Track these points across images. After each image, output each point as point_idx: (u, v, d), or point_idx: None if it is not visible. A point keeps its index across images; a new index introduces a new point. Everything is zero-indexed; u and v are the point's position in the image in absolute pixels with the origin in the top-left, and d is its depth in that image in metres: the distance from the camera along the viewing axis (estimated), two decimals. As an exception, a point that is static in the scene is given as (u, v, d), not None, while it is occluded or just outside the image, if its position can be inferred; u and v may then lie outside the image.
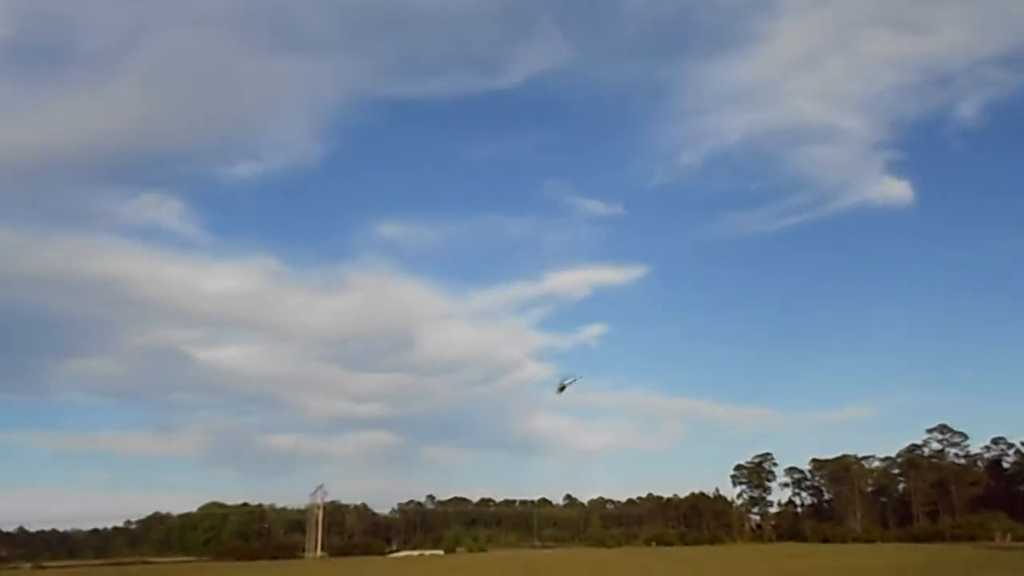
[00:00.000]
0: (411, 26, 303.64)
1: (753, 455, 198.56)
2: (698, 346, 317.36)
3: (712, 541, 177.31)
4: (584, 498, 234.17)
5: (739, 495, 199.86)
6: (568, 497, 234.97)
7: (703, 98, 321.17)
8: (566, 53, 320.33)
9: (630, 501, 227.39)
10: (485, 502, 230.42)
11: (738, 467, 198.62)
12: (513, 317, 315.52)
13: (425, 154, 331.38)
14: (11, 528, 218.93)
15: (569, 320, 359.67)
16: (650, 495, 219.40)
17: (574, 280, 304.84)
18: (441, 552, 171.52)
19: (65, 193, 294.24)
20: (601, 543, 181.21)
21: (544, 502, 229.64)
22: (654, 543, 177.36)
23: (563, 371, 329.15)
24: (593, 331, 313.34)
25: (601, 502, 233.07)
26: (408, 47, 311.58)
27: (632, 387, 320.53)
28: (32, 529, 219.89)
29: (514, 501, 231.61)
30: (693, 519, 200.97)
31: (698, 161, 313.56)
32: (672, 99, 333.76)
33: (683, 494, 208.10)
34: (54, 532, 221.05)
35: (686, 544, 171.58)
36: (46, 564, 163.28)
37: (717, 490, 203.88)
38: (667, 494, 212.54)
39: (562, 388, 77.82)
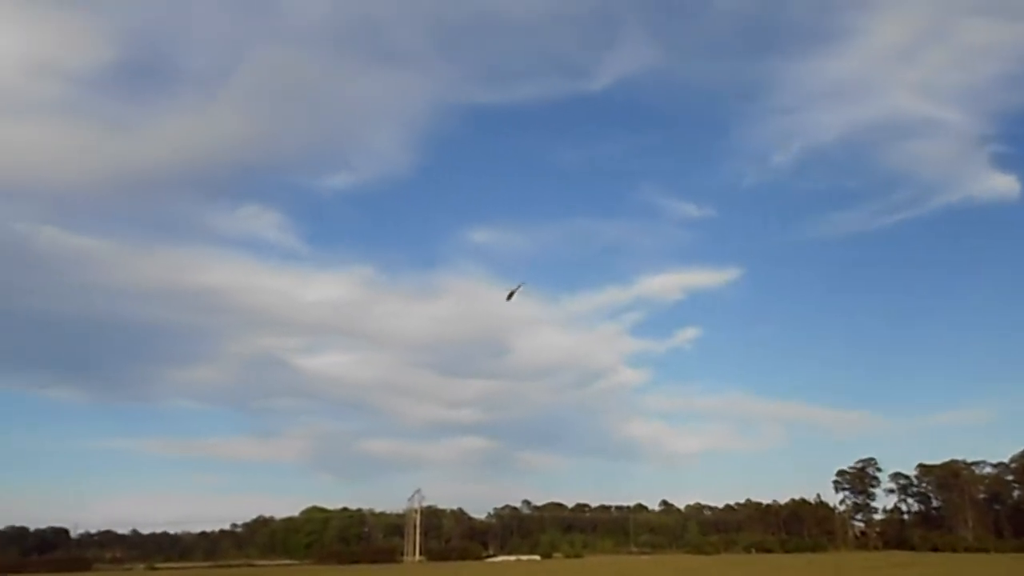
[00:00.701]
0: (498, 34, 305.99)
1: (856, 460, 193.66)
2: (795, 348, 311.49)
3: (815, 548, 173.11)
4: (681, 504, 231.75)
5: (842, 501, 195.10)
6: (664, 503, 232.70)
7: (796, 96, 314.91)
8: (654, 55, 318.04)
9: (728, 507, 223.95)
10: (581, 507, 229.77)
11: (840, 472, 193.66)
12: (606, 322, 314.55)
13: (515, 160, 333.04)
14: (125, 530, 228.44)
15: (663, 324, 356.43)
16: (749, 501, 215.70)
17: (667, 284, 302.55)
18: (537, 557, 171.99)
19: (170, 206, 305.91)
20: (699, 550, 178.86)
21: (640, 508, 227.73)
22: (754, 550, 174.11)
23: (658, 375, 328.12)
24: (687, 335, 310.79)
25: (698, 508, 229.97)
26: (496, 54, 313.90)
27: (728, 390, 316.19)
28: (145, 531, 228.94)
29: (610, 507, 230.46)
30: (794, 526, 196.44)
31: (791, 160, 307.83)
32: (763, 98, 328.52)
33: (783, 500, 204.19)
34: (165, 534, 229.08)
35: (787, 551, 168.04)
36: (158, 565, 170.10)
37: (819, 496, 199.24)
38: (766, 500, 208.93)
39: (510, 295, 76.31)
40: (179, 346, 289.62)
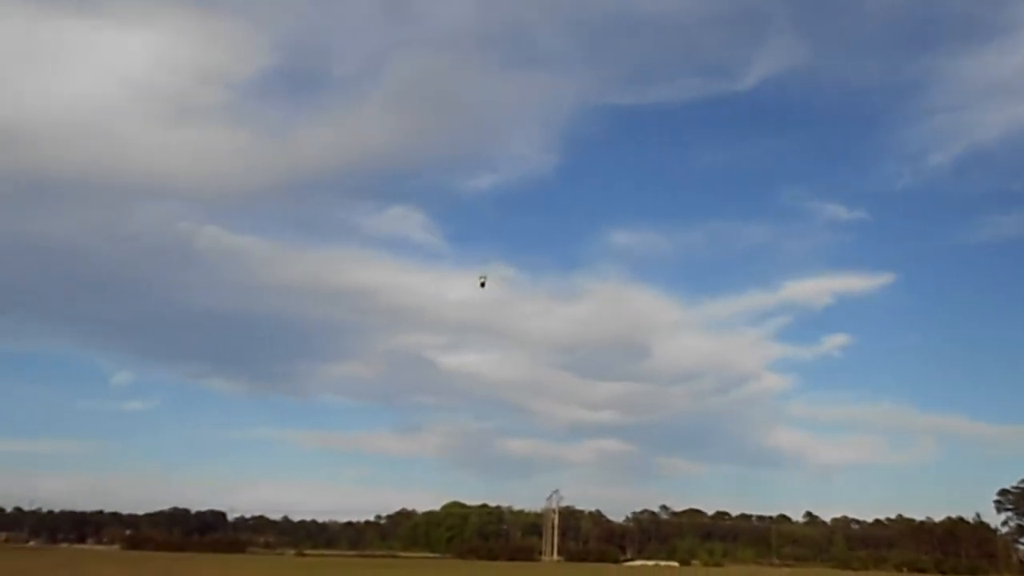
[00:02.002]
0: (642, 35, 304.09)
1: (1020, 479, 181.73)
2: (953, 358, 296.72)
3: (973, 571, 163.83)
4: (826, 516, 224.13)
5: (1004, 523, 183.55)
6: (809, 514, 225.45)
7: (955, 94, 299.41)
8: (802, 54, 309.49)
9: (877, 522, 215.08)
10: (721, 515, 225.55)
11: (1003, 492, 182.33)
12: (749, 327, 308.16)
13: (657, 161, 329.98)
14: (277, 516, 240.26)
15: (809, 330, 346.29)
16: (900, 517, 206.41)
17: (815, 289, 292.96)
18: (676, 564, 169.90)
19: (322, 208, 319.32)
20: (846, 565, 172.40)
21: (783, 518, 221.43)
22: (906, 569, 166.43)
23: (804, 382, 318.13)
24: (836, 341, 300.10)
25: (845, 521, 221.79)
26: (639, 55, 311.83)
27: (880, 401, 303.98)
28: (295, 519, 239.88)
29: (751, 516, 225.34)
30: (950, 546, 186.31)
31: (950, 161, 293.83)
32: (919, 96, 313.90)
33: (938, 517, 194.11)
34: (313, 522, 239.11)
35: (942, 572, 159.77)
36: (307, 552, 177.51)
37: (978, 515, 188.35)
38: (919, 516, 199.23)
39: (483, 282, 73.40)
40: (329, 342, 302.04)
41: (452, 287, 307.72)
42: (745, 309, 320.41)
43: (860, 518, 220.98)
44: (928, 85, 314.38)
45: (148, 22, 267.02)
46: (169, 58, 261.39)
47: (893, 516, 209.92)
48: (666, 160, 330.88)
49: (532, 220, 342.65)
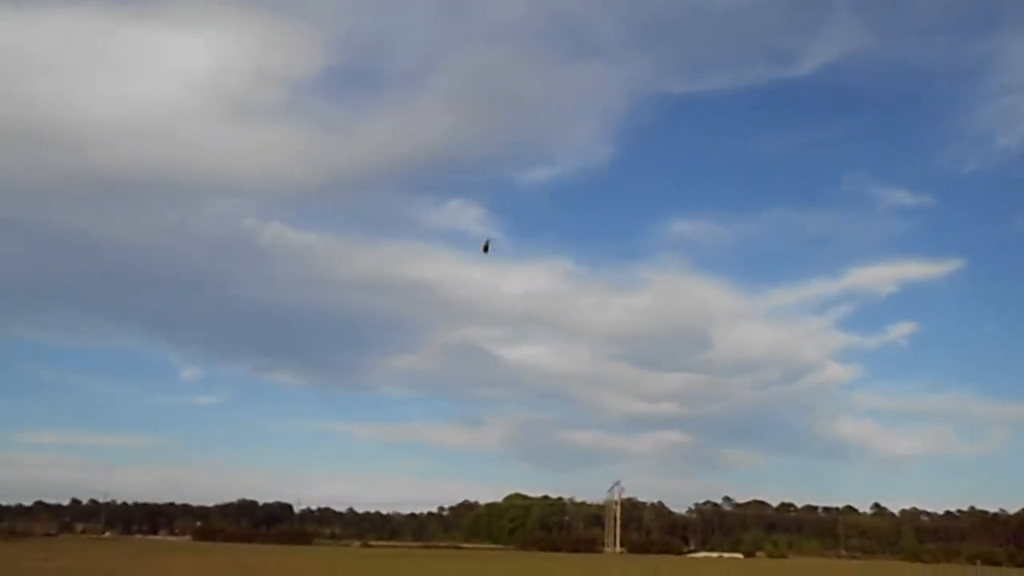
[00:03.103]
0: (698, 23, 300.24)
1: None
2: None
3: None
4: (895, 508, 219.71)
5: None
6: (876, 506, 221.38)
7: (1022, 74, 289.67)
8: (863, 37, 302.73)
9: (948, 513, 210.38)
10: (785, 506, 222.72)
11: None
12: (812, 316, 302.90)
13: (716, 150, 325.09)
14: (342, 508, 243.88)
15: (874, 318, 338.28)
16: (972, 508, 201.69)
17: (879, 276, 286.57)
18: (740, 556, 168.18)
19: (381, 202, 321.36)
20: (916, 557, 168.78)
21: (849, 509, 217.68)
22: (979, 562, 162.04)
23: (869, 372, 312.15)
24: (902, 330, 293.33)
25: (914, 513, 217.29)
26: (696, 44, 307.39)
27: (948, 390, 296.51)
28: (359, 511, 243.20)
29: (816, 507, 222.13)
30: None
31: (1018, 143, 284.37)
32: (986, 77, 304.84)
33: (1012, 509, 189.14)
34: (377, 514, 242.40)
35: (1017, 566, 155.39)
36: (372, 543, 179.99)
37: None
38: (992, 508, 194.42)
39: (486, 248, 71.53)
40: (390, 335, 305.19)
41: (510, 279, 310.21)
42: (808, 298, 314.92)
43: (930, 510, 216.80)
44: (994, 65, 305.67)
45: (209, 24, 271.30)
46: (231, 59, 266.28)
47: (965, 508, 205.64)
48: (725, 149, 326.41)
49: (589, 211, 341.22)
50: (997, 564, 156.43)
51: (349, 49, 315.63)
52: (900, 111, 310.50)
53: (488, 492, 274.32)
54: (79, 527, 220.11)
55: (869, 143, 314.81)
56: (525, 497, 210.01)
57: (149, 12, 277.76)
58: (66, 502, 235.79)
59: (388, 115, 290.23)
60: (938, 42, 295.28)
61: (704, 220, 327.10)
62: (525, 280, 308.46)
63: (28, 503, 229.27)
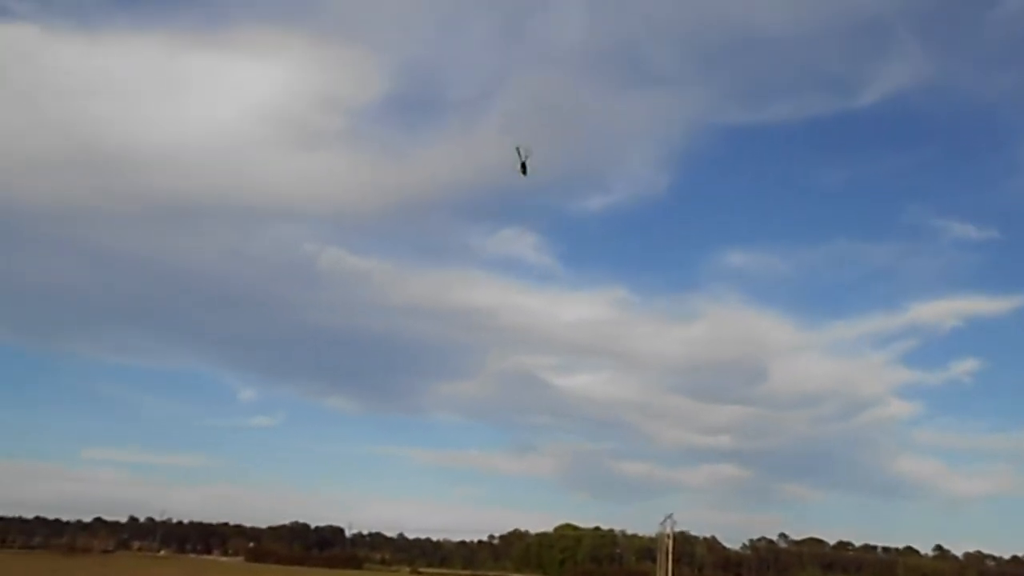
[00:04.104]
0: (757, 51, 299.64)
1: None
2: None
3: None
4: (958, 551, 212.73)
5: None
6: (938, 548, 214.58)
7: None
8: (927, 68, 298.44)
9: (1015, 558, 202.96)
10: (843, 545, 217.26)
11: None
12: (873, 350, 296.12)
13: (774, 181, 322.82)
14: (392, 534, 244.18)
15: (937, 354, 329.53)
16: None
17: (942, 311, 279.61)
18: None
19: (437, 229, 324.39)
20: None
21: (910, 551, 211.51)
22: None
23: (932, 409, 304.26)
24: (966, 366, 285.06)
25: (979, 557, 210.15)
26: (754, 72, 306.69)
27: (1014, 429, 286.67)
28: (410, 536, 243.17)
29: (875, 547, 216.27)
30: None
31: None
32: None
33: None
34: (428, 540, 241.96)
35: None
36: (422, 570, 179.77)
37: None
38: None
39: (524, 166, 65.73)
40: (444, 361, 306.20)
41: (565, 307, 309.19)
42: (868, 332, 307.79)
43: (996, 554, 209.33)
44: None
45: (273, 52, 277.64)
46: (292, 86, 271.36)
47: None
48: (784, 179, 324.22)
49: (645, 240, 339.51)
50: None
51: (409, 76, 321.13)
52: (964, 142, 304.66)
53: (539, 521, 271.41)
54: (135, 544, 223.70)
55: (932, 175, 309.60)
56: (576, 528, 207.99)
57: (215, 40, 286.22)
58: (124, 519, 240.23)
59: (445, 141, 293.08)
60: (1003, 73, 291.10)
61: (761, 251, 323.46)
62: (580, 308, 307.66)
63: (87, 519, 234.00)
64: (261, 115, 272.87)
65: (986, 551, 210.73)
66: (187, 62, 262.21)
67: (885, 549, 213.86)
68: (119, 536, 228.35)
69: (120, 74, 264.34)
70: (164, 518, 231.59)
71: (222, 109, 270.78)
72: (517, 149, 65.06)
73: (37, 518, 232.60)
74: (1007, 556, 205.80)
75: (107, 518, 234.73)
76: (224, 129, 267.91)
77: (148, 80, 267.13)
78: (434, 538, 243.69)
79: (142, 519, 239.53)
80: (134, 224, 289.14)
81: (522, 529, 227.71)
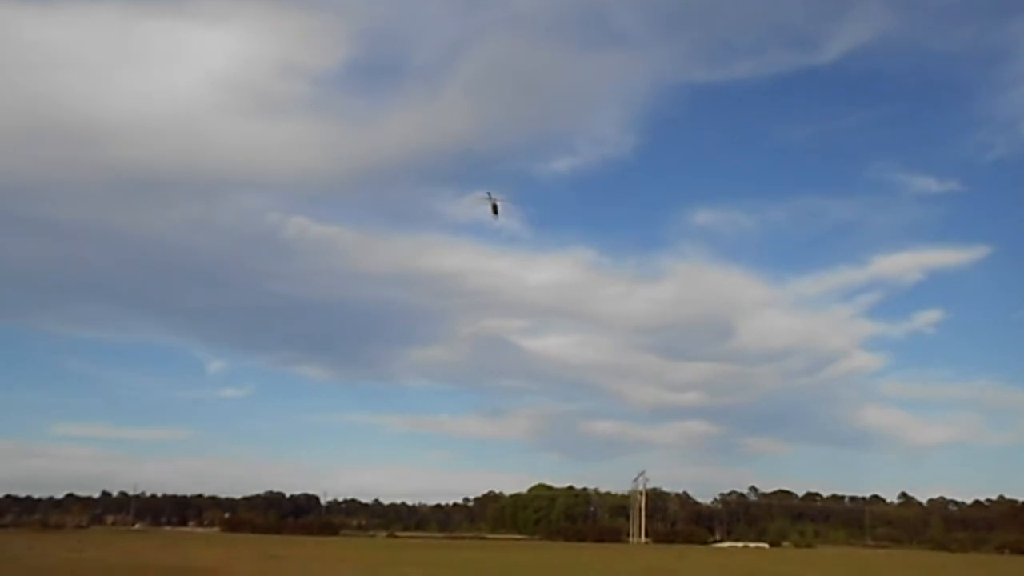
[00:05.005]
0: (720, 10, 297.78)
1: None
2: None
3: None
4: (922, 497, 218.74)
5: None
6: (903, 495, 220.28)
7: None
8: (888, 23, 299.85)
9: (976, 503, 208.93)
10: (811, 496, 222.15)
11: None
12: (838, 304, 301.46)
13: (739, 138, 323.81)
14: (368, 500, 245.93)
15: (901, 306, 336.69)
16: (1001, 497, 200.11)
17: (905, 264, 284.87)
18: (766, 546, 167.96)
19: (403, 196, 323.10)
20: (943, 547, 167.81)
21: (876, 499, 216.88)
22: (1008, 551, 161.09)
23: (896, 360, 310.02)
24: (929, 318, 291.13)
25: (942, 502, 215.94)
26: (718, 31, 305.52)
27: (977, 378, 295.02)
28: (385, 501, 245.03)
29: (843, 497, 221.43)
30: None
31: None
32: (1012, 63, 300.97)
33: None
34: (404, 505, 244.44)
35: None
36: (399, 534, 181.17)
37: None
38: (1021, 497, 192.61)
39: (495, 207, 68.54)
40: (414, 327, 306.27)
41: (533, 270, 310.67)
42: (833, 286, 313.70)
43: (958, 499, 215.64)
44: (1018, 50, 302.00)
45: (232, 19, 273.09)
46: (254, 53, 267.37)
47: (993, 497, 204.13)
48: (748, 137, 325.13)
49: (613, 202, 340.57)
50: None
51: (371, 42, 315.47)
52: (926, 97, 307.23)
53: (513, 483, 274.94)
54: (109, 519, 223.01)
55: (894, 130, 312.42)
56: (550, 488, 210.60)
57: (172, 7, 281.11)
58: (96, 494, 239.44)
59: (410, 108, 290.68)
60: (964, 27, 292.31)
61: (728, 209, 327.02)
62: (549, 271, 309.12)
63: (59, 496, 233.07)
64: (221, 83, 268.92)
65: (949, 496, 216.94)
66: (144, 30, 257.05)
67: (852, 498, 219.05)
68: (92, 511, 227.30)
69: (77, 44, 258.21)
70: (137, 492, 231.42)
71: (182, 78, 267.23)
72: (488, 194, 67.61)
73: (7, 496, 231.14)
74: (969, 501, 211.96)
75: (79, 494, 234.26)
76: (184, 98, 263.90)
77: (106, 50, 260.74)
78: (409, 502, 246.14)
79: (115, 494, 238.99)
80: (96, 196, 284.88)
81: (496, 491, 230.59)
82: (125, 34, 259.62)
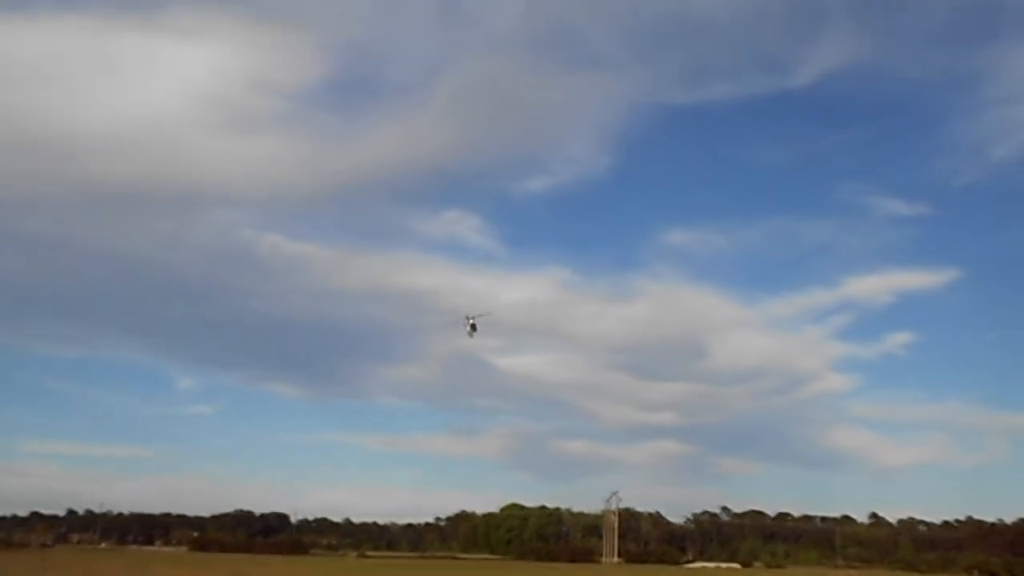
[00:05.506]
0: (695, 33, 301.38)
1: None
2: (1022, 354, 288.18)
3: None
4: (892, 517, 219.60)
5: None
6: (874, 515, 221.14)
7: (1016, 85, 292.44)
8: (861, 48, 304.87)
9: (946, 523, 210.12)
10: (783, 516, 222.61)
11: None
12: (810, 325, 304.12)
13: (713, 160, 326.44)
14: (338, 519, 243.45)
15: (871, 328, 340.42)
16: (970, 518, 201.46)
17: (876, 286, 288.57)
18: (737, 566, 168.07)
19: (378, 213, 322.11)
20: (913, 567, 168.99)
21: (847, 519, 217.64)
22: (976, 572, 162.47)
23: (867, 382, 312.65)
24: (899, 339, 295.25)
25: (912, 523, 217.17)
26: (693, 54, 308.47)
27: (946, 400, 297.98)
28: (356, 521, 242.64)
29: (814, 517, 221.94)
30: (1021, 548, 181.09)
31: (1013, 154, 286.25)
32: (981, 89, 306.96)
33: (1009, 519, 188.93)
34: (375, 524, 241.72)
35: (1014, 575, 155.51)
36: (369, 553, 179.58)
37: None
38: (990, 518, 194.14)
39: (473, 327, 70.83)
40: (387, 345, 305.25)
41: (507, 289, 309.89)
42: (805, 307, 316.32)
43: (928, 519, 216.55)
44: (990, 77, 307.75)
45: (208, 35, 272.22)
46: (226, 69, 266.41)
47: (962, 518, 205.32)
48: (722, 159, 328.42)
49: (587, 221, 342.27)
50: (994, 574, 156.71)
51: (348, 60, 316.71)
52: (896, 121, 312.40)
53: (485, 502, 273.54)
54: (75, 538, 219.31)
55: (866, 153, 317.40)
56: (522, 507, 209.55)
57: (149, 22, 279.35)
58: (62, 513, 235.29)
59: (386, 126, 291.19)
60: (934, 53, 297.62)
61: (702, 230, 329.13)
62: (522, 289, 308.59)
63: (24, 514, 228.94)
64: (195, 98, 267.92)
65: (919, 517, 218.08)
66: (119, 44, 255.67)
67: (823, 518, 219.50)
68: (57, 530, 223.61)
69: (48, 57, 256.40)
70: (104, 510, 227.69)
71: (156, 93, 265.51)
72: (465, 317, 70.53)
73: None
74: (938, 521, 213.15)
75: (44, 512, 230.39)
76: (158, 113, 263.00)
77: (78, 63, 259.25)
78: (380, 522, 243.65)
79: (81, 512, 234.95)
80: (67, 210, 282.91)
81: (469, 510, 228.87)
82: (101, 48, 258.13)
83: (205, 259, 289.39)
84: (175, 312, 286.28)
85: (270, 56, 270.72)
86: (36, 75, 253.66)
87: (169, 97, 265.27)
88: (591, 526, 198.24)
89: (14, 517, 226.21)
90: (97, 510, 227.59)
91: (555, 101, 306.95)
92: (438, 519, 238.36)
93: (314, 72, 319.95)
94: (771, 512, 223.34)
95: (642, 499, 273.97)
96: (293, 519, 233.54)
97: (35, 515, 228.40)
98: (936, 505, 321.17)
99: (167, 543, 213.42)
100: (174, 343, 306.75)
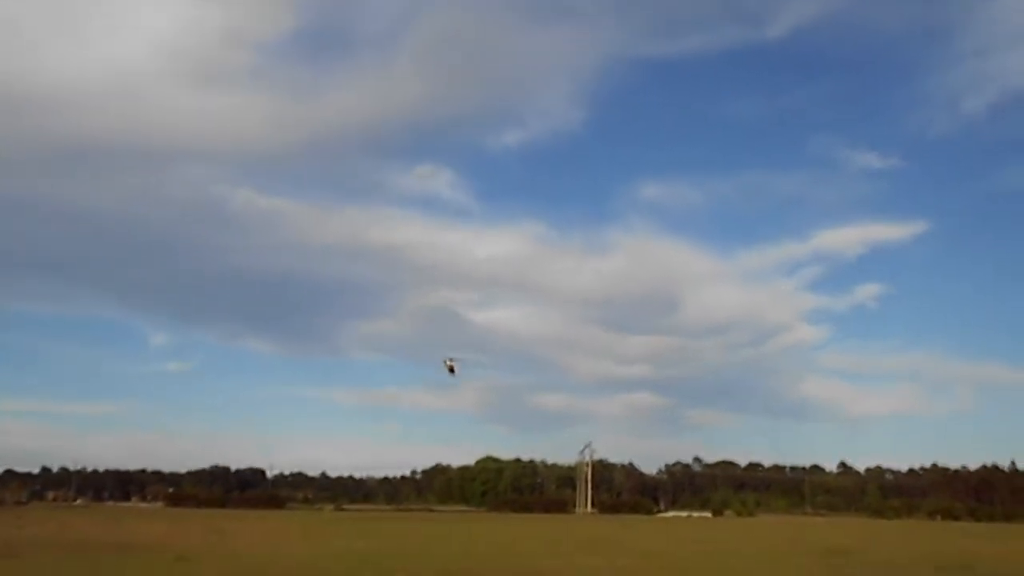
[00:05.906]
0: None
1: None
2: (991, 306, 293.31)
3: (1008, 518, 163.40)
4: (860, 466, 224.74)
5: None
6: (842, 464, 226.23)
7: (989, 37, 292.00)
8: (834, 0, 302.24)
9: (911, 471, 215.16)
10: (754, 466, 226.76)
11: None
12: (782, 278, 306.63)
13: (687, 113, 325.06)
14: (315, 473, 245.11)
15: (843, 280, 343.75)
16: (935, 466, 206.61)
17: (847, 238, 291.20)
18: (709, 515, 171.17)
19: (351, 168, 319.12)
20: (879, 514, 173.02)
21: (816, 469, 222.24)
22: (939, 517, 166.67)
23: (837, 333, 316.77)
24: (870, 291, 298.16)
25: (879, 471, 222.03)
26: (668, 5, 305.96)
27: (914, 350, 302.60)
28: (332, 475, 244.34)
29: (784, 467, 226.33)
30: (984, 494, 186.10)
31: (984, 107, 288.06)
32: (952, 41, 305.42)
33: (973, 466, 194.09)
34: (351, 478, 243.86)
35: (977, 520, 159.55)
36: (345, 507, 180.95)
37: (1013, 463, 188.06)
38: (954, 465, 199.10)
39: (451, 368, 72.29)
40: (361, 300, 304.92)
41: (482, 243, 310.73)
42: (777, 260, 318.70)
43: (894, 467, 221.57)
44: (963, 28, 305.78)
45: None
46: (194, 21, 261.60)
47: (928, 465, 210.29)
48: (696, 111, 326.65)
49: (561, 175, 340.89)
50: (957, 518, 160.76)
51: (317, 11, 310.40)
52: (868, 74, 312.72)
53: (461, 455, 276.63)
54: (50, 495, 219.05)
55: (838, 106, 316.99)
56: (497, 460, 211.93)
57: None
58: (36, 470, 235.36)
59: (358, 78, 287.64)
60: (908, 4, 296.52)
61: (675, 183, 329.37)
62: (497, 244, 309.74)
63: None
64: (163, 52, 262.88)
65: (885, 465, 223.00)
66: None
67: (793, 468, 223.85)
68: (32, 487, 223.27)
69: (7, 9, 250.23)
70: (79, 467, 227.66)
71: (121, 46, 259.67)
72: (444, 360, 69.99)
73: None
74: (904, 469, 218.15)
75: (18, 469, 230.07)
76: (124, 67, 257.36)
77: (39, 15, 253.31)
78: (356, 475, 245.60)
79: (55, 469, 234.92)
80: (32, 168, 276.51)
81: (444, 463, 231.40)
82: (62, 1, 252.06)
83: (177, 215, 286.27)
84: (148, 268, 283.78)
85: (239, 7, 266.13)
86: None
87: (136, 50, 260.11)
88: (565, 478, 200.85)
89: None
90: (72, 467, 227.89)
91: (528, 54, 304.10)
92: (414, 472, 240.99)
93: (284, 25, 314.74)
94: (742, 462, 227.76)
95: (616, 450, 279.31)
96: (269, 474, 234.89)
97: (9, 472, 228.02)
98: (904, 454, 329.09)
99: (143, 499, 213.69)
100: (147, 300, 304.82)
